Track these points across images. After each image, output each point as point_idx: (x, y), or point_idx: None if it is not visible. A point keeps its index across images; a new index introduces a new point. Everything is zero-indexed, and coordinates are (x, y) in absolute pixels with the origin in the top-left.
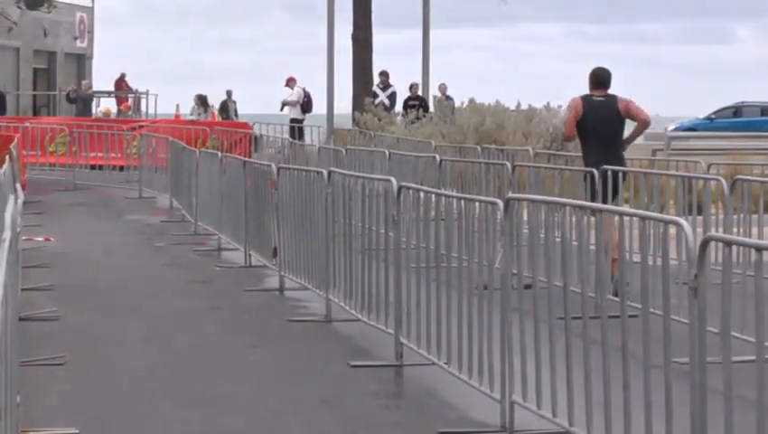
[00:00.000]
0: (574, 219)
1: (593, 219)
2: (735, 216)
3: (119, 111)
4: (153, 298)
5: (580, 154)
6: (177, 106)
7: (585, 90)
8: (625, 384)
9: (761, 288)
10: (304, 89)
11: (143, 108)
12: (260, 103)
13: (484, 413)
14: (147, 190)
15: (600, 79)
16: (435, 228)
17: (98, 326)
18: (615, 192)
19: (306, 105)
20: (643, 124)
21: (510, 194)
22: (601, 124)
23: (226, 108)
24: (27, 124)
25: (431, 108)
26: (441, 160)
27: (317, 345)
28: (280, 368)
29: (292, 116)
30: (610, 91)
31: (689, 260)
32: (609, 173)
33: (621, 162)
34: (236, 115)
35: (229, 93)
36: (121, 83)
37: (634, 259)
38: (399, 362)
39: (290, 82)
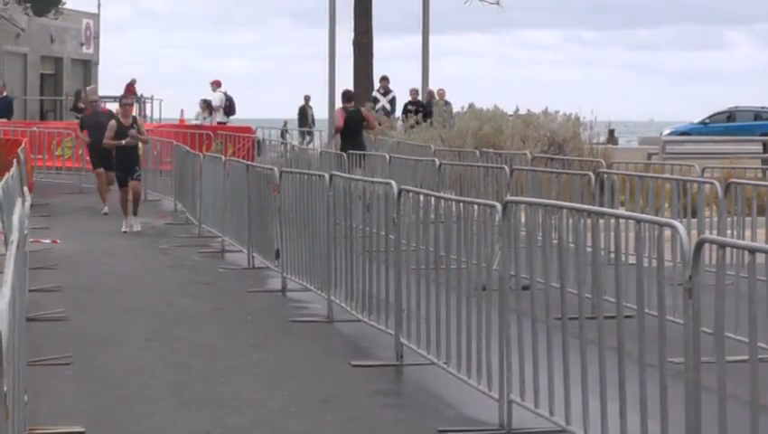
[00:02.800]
0: (570, 221)
1: (589, 221)
2: (729, 219)
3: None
4: (157, 299)
5: (576, 158)
6: (182, 111)
7: (588, 96)
8: (621, 384)
9: (754, 290)
10: (225, 93)
11: (148, 112)
12: (263, 108)
13: (483, 412)
14: (152, 193)
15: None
16: (435, 230)
17: (104, 327)
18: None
19: (229, 108)
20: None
21: (508, 197)
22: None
23: (304, 113)
24: (34, 128)
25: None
26: (440, 164)
27: (319, 345)
28: (282, 368)
29: (217, 120)
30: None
31: (684, 262)
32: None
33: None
34: (313, 122)
35: (306, 99)
36: (131, 88)
37: (630, 260)
38: (399, 361)
39: (214, 86)
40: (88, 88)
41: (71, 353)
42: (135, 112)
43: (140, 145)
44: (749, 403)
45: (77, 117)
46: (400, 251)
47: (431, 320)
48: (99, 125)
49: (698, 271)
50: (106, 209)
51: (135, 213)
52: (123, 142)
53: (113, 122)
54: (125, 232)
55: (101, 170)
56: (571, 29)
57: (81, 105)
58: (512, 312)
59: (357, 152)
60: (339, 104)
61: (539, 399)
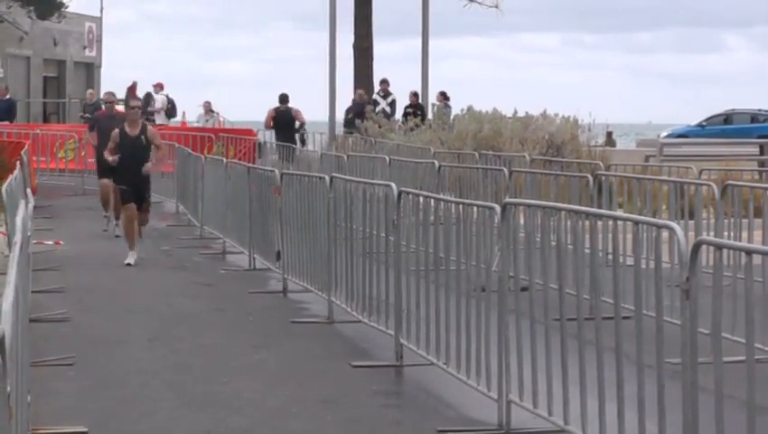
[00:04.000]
0: (569, 223)
1: (587, 223)
2: (726, 220)
3: None
4: (159, 300)
5: (574, 160)
6: (183, 113)
7: (586, 99)
8: (619, 384)
9: (751, 291)
10: (167, 96)
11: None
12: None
13: (482, 412)
14: (154, 195)
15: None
16: (434, 232)
17: (107, 327)
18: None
19: (170, 111)
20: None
21: (507, 199)
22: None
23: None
24: (38, 131)
25: (429, 116)
26: (440, 166)
27: (319, 346)
28: (283, 368)
29: (158, 122)
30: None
31: (681, 263)
32: None
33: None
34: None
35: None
36: (133, 90)
37: (628, 262)
38: (399, 362)
39: (156, 88)
40: (87, 92)
41: (74, 353)
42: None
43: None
44: (746, 403)
45: (85, 119)
46: (400, 253)
47: (431, 321)
48: (113, 129)
49: (696, 273)
50: (109, 212)
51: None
52: (111, 160)
53: (116, 132)
54: (128, 265)
55: (106, 181)
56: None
57: (89, 102)
58: (511, 313)
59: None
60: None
61: (538, 399)
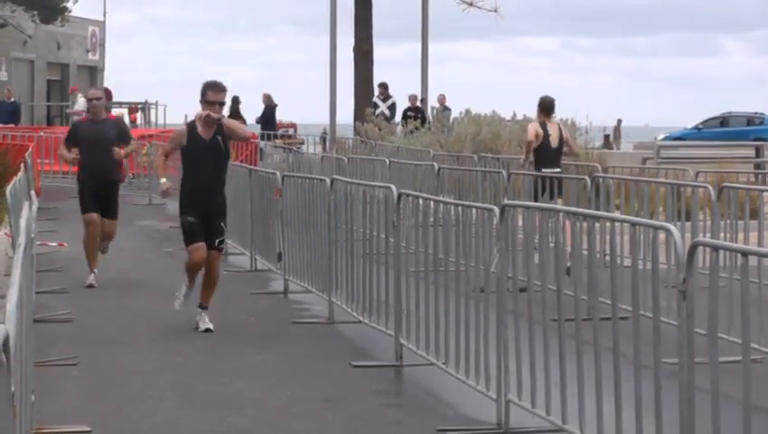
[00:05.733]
0: (567, 224)
1: (585, 224)
2: (722, 222)
3: (130, 122)
4: (162, 301)
5: (572, 162)
6: (185, 116)
7: (585, 102)
8: (616, 384)
9: (747, 292)
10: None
11: (152, 118)
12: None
13: (481, 411)
14: (156, 197)
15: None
16: (434, 233)
17: (110, 328)
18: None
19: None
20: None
21: (506, 201)
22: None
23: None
24: (41, 133)
25: (429, 119)
26: (439, 168)
27: (320, 346)
28: (284, 368)
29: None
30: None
31: (678, 265)
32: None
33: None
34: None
35: (441, 99)
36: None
37: (625, 263)
38: (399, 362)
39: (75, 92)
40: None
41: (78, 353)
42: (139, 120)
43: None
44: (742, 403)
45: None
46: (400, 254)
47: (430, 321)
48: (102, 138)
49: (692, 274)
50: (92, 279)
51: (207, 303)
52: (163, 187)
53: (181, 130)
54: (207, 331)
55: (93, 215)
56: (569, 36)
57: (70, 110)
58: (510, 313)
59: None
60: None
61: (536, 398)
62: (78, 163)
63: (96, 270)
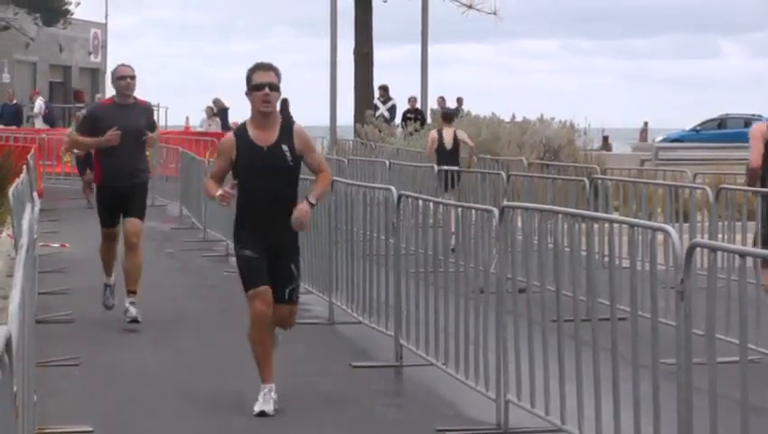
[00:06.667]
0: (566, 226)
1: (584, 226)
2: (720, 223)
3: None
4: (163, 302)
5: (571, 164)
6: (187, 118)
7: (583, 104)
8: (615, 384)
9: (744, 292)
10: (45, 102)
11: (154, 119)
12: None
13: (480, 412)
14: (159, 198)
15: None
16: (434, 234)
17: (111, 328)
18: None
19: (48, 117)
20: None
21: (505, 202)
22: None
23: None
24: (44, 135)
25: (428, 121)
26: (439, 169)
27: (320, 347)
28: (285, 368)
29: (37, 126)
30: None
31: (676, 266)
32: None
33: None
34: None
35: (460, 100)
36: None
37: (624, 264)
38: (399, 362)
39: (34, 95)
40: (96, 97)
41: (79, 354)
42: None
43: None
44: (740, 403)
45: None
46: (400, 255)
47: (430, 322)
48: (131, 128)
49: (690, 275)
50: (112, 279)
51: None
52: (218, 196)
53: (228, 140)
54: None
55: (112, 230)
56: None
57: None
58: (509, 314)
59: None
60: (340, 111)
61: (535, 399)
62: (83, 156)
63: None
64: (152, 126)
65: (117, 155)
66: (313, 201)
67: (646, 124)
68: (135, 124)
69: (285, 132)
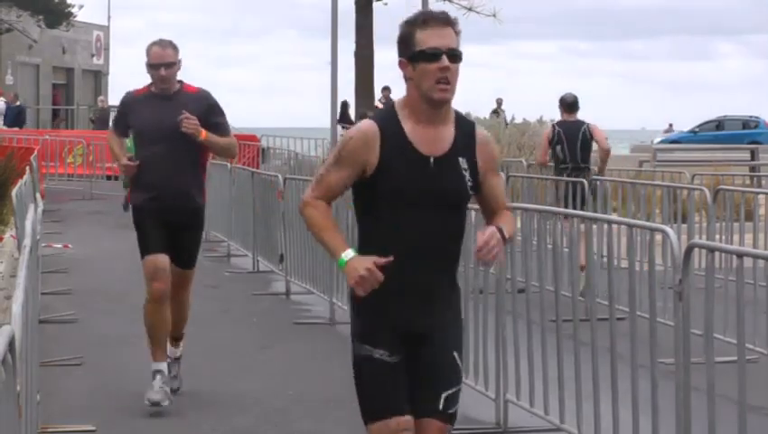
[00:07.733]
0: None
1: (583, 226)
2: (718, 224)
3: None
4: None
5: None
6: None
7: (582, 105)
8: (613, 384)
9: (742, 293)
10: (7, 103)
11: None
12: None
13: (480, 411)
14: None
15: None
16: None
17: (114, 328)
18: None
19: (17, 117)
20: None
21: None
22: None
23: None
24: (47, 136)
25: None
26: None
27: (321, 347)
28: (286, 368)
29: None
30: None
31: (674, 266)
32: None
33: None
34: (505, 124)
35: (499, 102)
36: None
37: (622, 264)
38: None
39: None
40: (98, 99)
41: (82, 353)
42: None
43: None
44: (737, 402)
45: (94, 122)
46: None
47: None
48: (170, 126)
49: (688, 275)
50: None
51: None
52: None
53: (356, 135)
54: None
55: (159, 259)
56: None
57: (102, 108)
58: (508, 314)
59: None
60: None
61: (534, 398)
62: (130, 171)
63: (168, 366)
64: (214, 124)
65: (151, 168)
66: (506, 235)
67: (671, 125)
68: (179, 122)
69: (464, 136)
